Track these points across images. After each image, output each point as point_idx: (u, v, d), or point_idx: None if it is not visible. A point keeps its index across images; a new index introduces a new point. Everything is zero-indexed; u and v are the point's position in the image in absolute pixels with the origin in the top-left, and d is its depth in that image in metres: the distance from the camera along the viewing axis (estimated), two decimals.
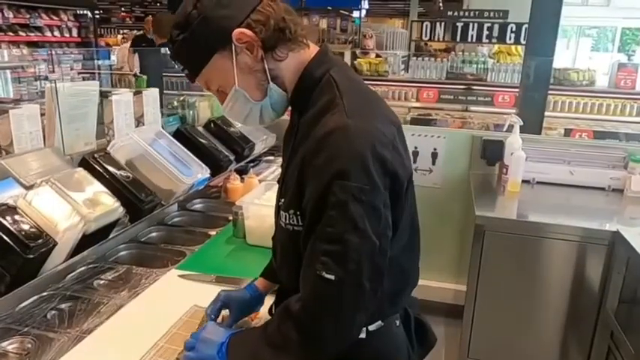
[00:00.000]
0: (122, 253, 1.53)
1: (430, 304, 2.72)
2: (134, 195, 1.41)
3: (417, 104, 5.06)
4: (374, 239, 0.81)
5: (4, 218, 1.00)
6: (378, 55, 6.36)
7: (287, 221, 0.90)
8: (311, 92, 0.90)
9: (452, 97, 4.94)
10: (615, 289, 1.85)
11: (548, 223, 1.97)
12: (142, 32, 4.90)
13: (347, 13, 11.37)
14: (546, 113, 4.81)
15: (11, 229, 0.99)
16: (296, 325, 0.83)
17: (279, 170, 2.37)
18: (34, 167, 1.23)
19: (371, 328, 0.94)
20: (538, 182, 2.43)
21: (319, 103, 0.88)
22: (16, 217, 1.02)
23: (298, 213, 0.87)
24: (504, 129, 2.52)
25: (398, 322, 0.99)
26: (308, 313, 0.82)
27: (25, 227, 1.02)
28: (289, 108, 0.97)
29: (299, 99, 0.92)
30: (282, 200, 0.92)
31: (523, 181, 2.40)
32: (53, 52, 5.67)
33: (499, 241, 1.99)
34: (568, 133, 4.55)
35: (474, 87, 4.92)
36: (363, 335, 0.91)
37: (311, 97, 0.90)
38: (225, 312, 1.04)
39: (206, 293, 1.21)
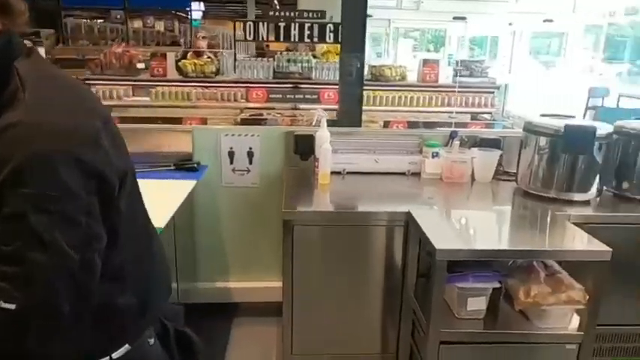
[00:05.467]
0: None
1: (259, 305, 2.68)
2: None
3: (248, 104, 5.03)
4: (72, 254, 0.68)
5: None
6: (210, 57, 6.21)
7: None
8: None
9: (280, 96, 5.00)
10: (412, 266, 1.99)
11: (352, 212, 2.05)
12: None
13: (185, 15, 10.93)
14: (369, 107, 5.18)
15: None
16: None
17: None
18: None
19: (115, 355, 0.81)
20: (348, 172, 2.52)
21: None
22: None
23: None
24: (313, 123, 2.58)
25: (152, 341, 0.88)
26: None
27: None
28: None
29: None
30: None
31: (334, 173, 2.48)
32: None
33: (308, 233, 2.00)
34: (387, 124, 4.92)
35: (301, 85, 5.04)
36: None
37: None
38: None
39: None
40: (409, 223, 1.95)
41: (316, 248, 2.03)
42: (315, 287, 2.07)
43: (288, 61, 5.08)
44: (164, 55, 5.02)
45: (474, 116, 5.22)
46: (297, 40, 5.10)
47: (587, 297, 1.67)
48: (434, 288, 1.64)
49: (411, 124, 4.67)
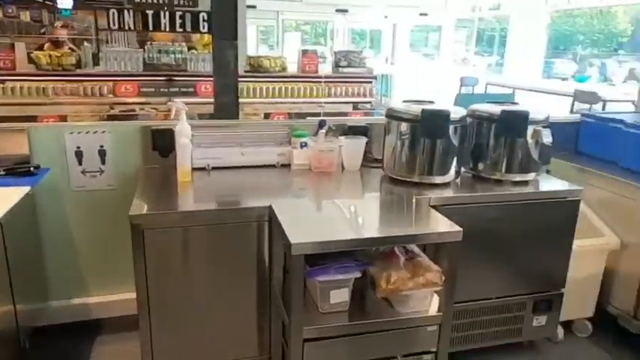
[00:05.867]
0: None
1: (124, 319, 2.44)
2: None
3: (118, 99, 4.63)
4: None
5: None
6: (72, 49, 5.68)
7: None
8: None
9: (153, 89, 4.66)
10: (278, 263, 1.89)
11: (210, 210, 1.89)
12: None
13: (53, 4, 9.94)
14: (250, 99, 5.03)
15: None
16: None
17: None
18: None
19: None
20: (214, 168, 2.36)
21: None
22: None
23: None
24: (172, 116, 2.38)
25: None
26: None
27: None
28: None
29: None
30: None
31: (198, 169, 2.31)
32: None
33: (162, 237, 1.81)
34: (268, 116, 4.82)
35: (175, 78, 4.75)
36: None
37: None
38: None
39: None
40: (272, 218, 1.85)
41: (174, 252, 1.85)
42: (176, 295, 1.89)
43: (159, 52, 4.75)
44: (12, 46, 4.42)
45: (355, 106, 5.31)
46: (167, 29, 4.79)
47: (444, 278, 1.69)
48: (292, 284, 1.56)
49: (292, 116, 4.62)
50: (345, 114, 4.97)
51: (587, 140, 2.98)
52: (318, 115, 4.62)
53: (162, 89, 4.69)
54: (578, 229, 2.30)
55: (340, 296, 1.67)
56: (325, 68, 5.80)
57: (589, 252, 2.42)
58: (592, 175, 2.61)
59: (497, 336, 2.30)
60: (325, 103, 5.05)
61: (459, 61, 14.60)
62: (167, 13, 5.00)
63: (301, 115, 4.70)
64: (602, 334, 2.55)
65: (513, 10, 10.70)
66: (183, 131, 2.25)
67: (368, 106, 5.33)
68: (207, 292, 1.92)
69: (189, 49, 5.32)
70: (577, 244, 2.34)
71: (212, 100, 4.35)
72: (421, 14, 9.90)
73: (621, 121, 2.71)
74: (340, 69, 5.17)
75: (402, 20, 11.00)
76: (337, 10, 9.26)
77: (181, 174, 2.17)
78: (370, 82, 5.18)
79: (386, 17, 10.71)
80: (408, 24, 11.51)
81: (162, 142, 2.36)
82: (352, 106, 5.35)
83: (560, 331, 2.51)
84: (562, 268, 2.33)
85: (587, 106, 7.54)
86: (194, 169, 2.30)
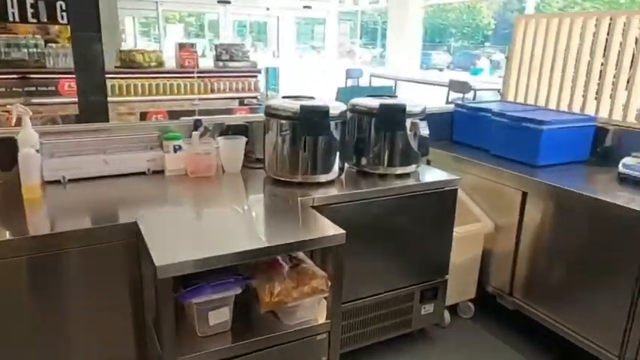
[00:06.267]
0: None
1: None
2: None
3: None
4: None
5: None
6: None
7: None
8: None
9: (4, 89, 4.06)
10: (150, 289, 1.67)
11: (60, 232, 1.60)
12: None
13: None
14: (122, 98, 4.61)
15: None
16: None
17: None
18: None
19: None
20: (71, 180, 2.06)
21: None
22: None
23: None
24: (13, 122, 2.03)
25: None
26: None
27: None
28: None
29: None
30: None
31: (51, 182, 2.00)
32: None
33: None
34: (144, 116, 4.45)
35: (31, 75, 4.18)
36: None
37: None
38: None
39: None
40: (138, 236, 1.63)
41: (16, 289, 1.55)
42: (27, 341, 1.59)
43: (9, 46, 4.14)
44: None
45: (242, 101, 5.12)
46: (17, 19, 4.20)
47: (330, 284, 1.62)
48: (161, 311, 1.37)
49: (172, 114, 4.30)
50: (230, 110, 4.76)
51: (461, 129, 3.12)
52: (211, 111, 4.36)
53: (15, 89, 4.11)
54: (457, 216, 2.38)
55: (220, 316, 1.52)
56: (207, 62, 5.53)
57: (468, 237, 2.53)
58: (467, 163, 2.73)
59: (389, 330, 2.31)
60: (205, 99, 4.79)
61: (345, 54, 14.96)
62: (15, 2, 4.38)
63: (181, 114, 4.41)
64: (483, 314, 2.70)
65: (391, 3, 11.15)
66: (28, 140, 1.93)
67: (254, 101, 5.18)
68: (70, 332, 1.65)
69: (48, 42, 4.73)
70: (457, 230, 2.43)
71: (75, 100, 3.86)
72: (305, 7, 9.90)
73: (489, 110, 2.87)
74: (222, 63, 4.94)
75: (285, 12, 10.92)
76: (219, 2, 8.90)
77: (27, 190, 1.85)
78: (255, 77, 5.02)
79: (268, 9, 10.56)
80: (291, 16, 11.47)
81: (2, 154, 2.00)
82: (238, 101, 5.15)
83: (447, 315, 2.60)
84: (445, 255, 2.40)
85: (461, 95, 8.10)
86: (46, 183, 1.99)
